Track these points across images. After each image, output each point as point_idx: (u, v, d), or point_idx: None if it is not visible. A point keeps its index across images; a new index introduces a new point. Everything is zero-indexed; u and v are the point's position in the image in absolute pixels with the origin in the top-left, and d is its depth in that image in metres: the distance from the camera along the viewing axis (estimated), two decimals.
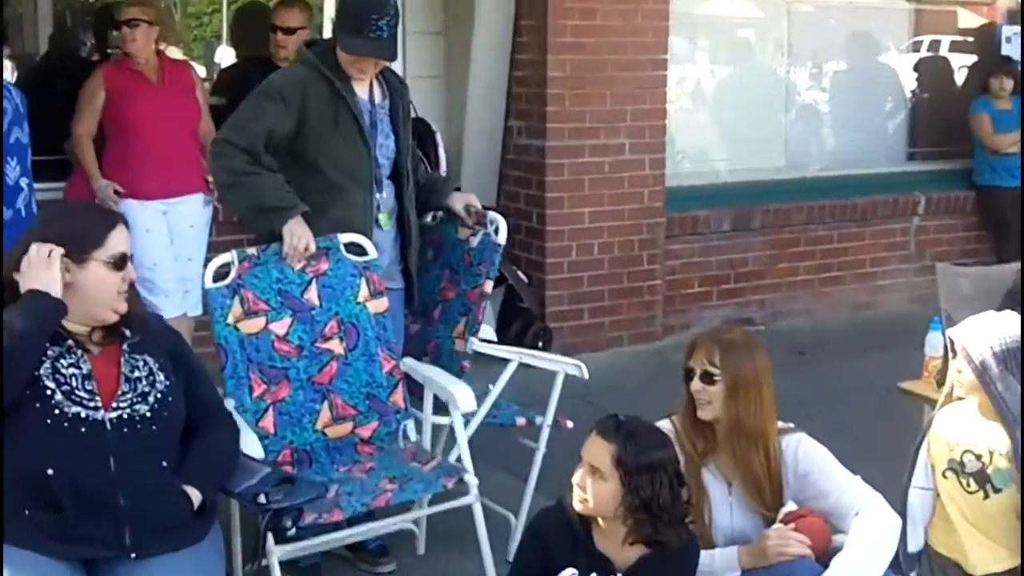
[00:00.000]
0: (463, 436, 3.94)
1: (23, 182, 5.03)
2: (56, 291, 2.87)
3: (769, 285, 7.58)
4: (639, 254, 6.91)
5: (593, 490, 3.01)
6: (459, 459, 3.93)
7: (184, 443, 3.09)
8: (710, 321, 7.29)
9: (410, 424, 4.11)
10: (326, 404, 4.01)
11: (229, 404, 3.68)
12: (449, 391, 3.92)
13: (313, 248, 4.00)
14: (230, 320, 3.90)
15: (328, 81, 4.13)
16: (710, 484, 3.39)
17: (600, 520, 3.07)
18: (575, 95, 6.56)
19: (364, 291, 4.10)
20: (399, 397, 4.10)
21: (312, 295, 4.04)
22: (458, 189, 4.64)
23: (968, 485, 3.40)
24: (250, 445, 3.44)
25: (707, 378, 3.33)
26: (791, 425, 3.44)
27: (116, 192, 5.44)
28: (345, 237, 4.11)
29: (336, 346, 4.04)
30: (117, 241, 2.99)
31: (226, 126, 4.21)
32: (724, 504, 3.39)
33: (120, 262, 3.00)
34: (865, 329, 7.48)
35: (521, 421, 4.39)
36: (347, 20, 4.15)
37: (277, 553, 3.44)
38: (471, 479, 3.80)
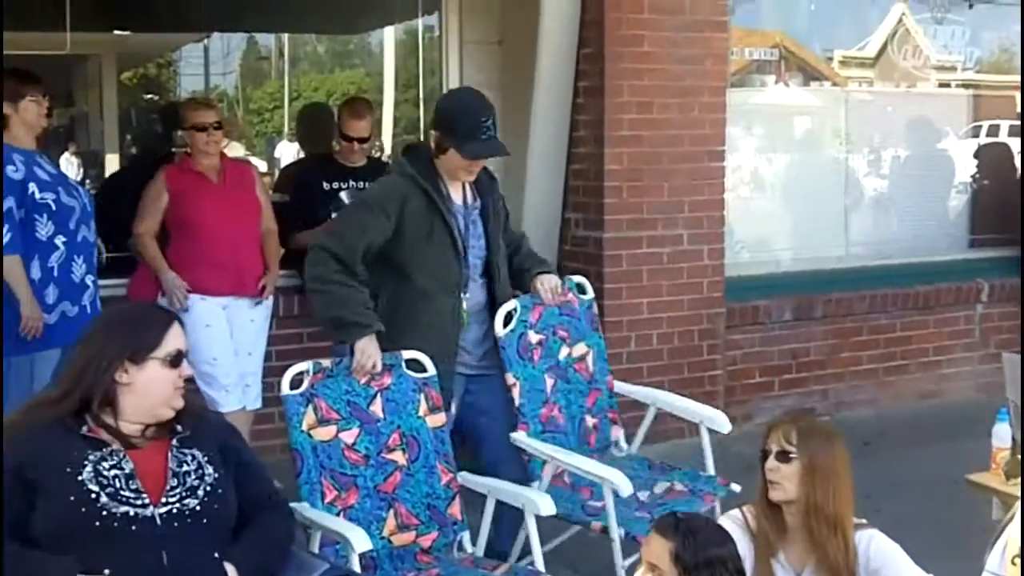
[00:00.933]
0: (536, 541, 3.99)
1: (88, 279, 5.12)
2: None
3: (832, 375, 7.51)
4: (699, 344, 6.87)
5: None
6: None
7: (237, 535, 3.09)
8: (772, 412, 7.21)
9: (466, 536, 4.20)
10: (391, 512, 4.08)
11: (303, 507, 3.73)
12: (525, 497, 4.04)
13: (380, 367, 4.15)
14: (304, 427, 3.98)
15: (424, 192, 4.35)
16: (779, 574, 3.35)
17: None
18: (632, 187, 6.58)
19: (423, 406, 4.23)
20: (456, 509, 4.20)
21: (377, 408, 4.15)
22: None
23: None
24: (358, 539, 3.59)
25: (782, 456, 3.32)
26: (864, 520, 3.41)
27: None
28: (407, 354, 4.24)
29: (400, 457, 4.14)
30: (173, 339, 3.06)
31: (327, 232, 4.49)
32: None
33: (176, 359, 3.05)
34: (930, 419, 7.37)
35: (596, 526, 4.34)
36: (458, 128, 4.36)
37: None
38: None
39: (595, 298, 5.06)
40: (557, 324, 4.83)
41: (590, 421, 4.86)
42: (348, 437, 4.06)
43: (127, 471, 2.92)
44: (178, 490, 2.96)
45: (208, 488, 3.00)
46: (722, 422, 4.71)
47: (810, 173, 8.15)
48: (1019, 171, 8.96)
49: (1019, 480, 4.03)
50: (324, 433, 4.01)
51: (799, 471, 3.30)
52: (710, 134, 6.78)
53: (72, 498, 2.84)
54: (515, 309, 4.63)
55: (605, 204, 6.55)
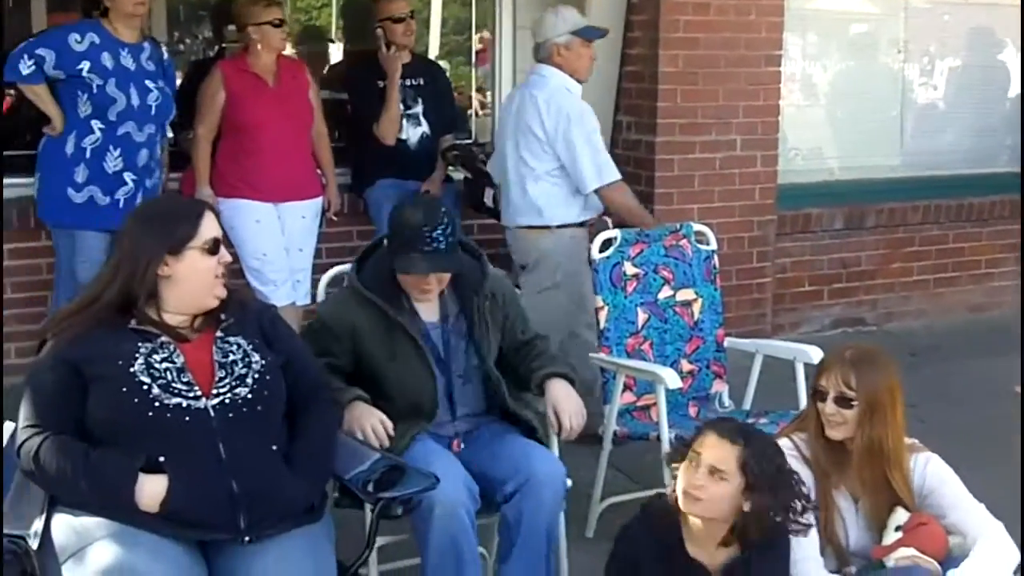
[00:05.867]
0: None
1: (128, 176, 5.39)
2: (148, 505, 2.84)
3: (882, 285, 7.49)
4: (749, 251, 6.85)
5: (711, 491, 2.98)
6: None
7: (288, 422, 3.10)
8: (820, 321, 7.22)
9: None
10: None
11: None
12: None
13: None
14: None
15: (375, 308, 3.62)
16: (839, 501, 3.35)
17: (696, 522, 3.04)
18: (687, 91, 6.51)
19: None
20: None
21: None
22: None
23: None
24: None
25: (843, 402, 3.27)
26: (917, 442, 3.40)
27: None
28: None
29: None
30: (208, 228, 3.05)
31: None
32: (852, 521, 3.35)
33: (214, 246, 3.05)
34: (980, 332, 7.35)
35: (654, 435, 4.32)
36: (397, 239, 3.60)
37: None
38: None
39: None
40: (660, 263, 4.75)
41: (686, 366, 4.75)
42: None
43: (178, 364, 2.95)
44: (227, 380, 2.97)
45: (256, 376, 3.01)
46: (814, 353, 4.36)
47: (866, 81, 8.03)
48: None
49: None
50: None
51: (859, 414, 3.27)
52: (767, 38, 6.69)
53: (124, 389, 2.86)
54: (615, 238, 4.59)
55: (658, 108, 6.48)
